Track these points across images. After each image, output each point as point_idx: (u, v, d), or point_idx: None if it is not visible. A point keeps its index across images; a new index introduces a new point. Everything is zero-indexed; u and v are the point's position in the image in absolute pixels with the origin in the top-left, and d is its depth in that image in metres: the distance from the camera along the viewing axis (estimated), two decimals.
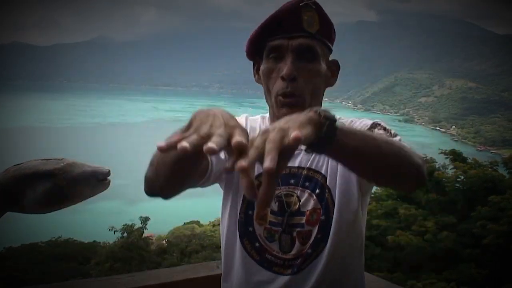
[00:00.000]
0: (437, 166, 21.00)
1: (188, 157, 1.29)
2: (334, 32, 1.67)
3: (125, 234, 23.94)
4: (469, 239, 17.17)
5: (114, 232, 24.43)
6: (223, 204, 1.82)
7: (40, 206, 1.61)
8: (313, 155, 1.66)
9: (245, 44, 1.68)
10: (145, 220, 25.38)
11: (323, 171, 1.68)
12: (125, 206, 62.26)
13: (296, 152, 1.57)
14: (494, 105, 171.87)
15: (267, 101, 1.69)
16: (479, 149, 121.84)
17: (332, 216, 1.65)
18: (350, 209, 1.68)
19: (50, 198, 1.59)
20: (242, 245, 1.74)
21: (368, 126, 1.60)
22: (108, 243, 26.48)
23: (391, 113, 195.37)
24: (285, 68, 1.54)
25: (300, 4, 1.54)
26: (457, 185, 19.66)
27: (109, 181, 1.69)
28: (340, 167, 1.65)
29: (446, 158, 21.60)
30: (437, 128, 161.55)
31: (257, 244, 1.72)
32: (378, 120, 1.63)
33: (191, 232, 31.43)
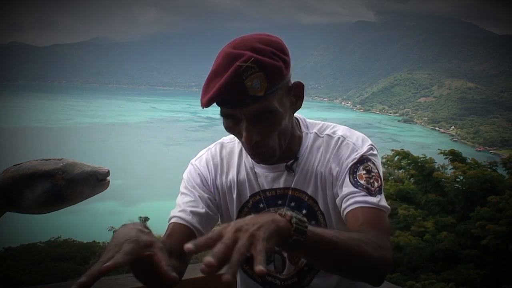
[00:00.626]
0: (436, 166, 20.98)
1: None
2: (287, 64, 1.52)
3: None
4: (468, 239, 17.12)
5: (114, 232, 24.50)
6: None
7: (39, 206, 1.61)
8: (297, 174, 1.68)
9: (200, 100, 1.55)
10: (144, 220, 25.41)
11: (309, 191, 1.68)
12: (124, 206, 62.29)
13: (279, 172, 1.70)
14: (493, 106, 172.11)
15: None
16: (478, 149, 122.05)
17: None
18: (342, 226, 1.65)
19: (49, 198, 1.59)
20: (243, 270, 1.80)
21: (356, 159, 1.61)
22: (107, 243, 26.47)
23: (390, 113, 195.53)
24: (244, 136, 1.50)
25: (240, 70, 1.40)
26: (456, 185, 19.61)
27: (109, 181, 1.69)
28: (328, 191, 1.66)
29: (445, 158, 21.53)
30: (436, 128, 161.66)
31: None
32: (368, 149, 1.64)
33: None
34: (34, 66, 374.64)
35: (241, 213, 1.74)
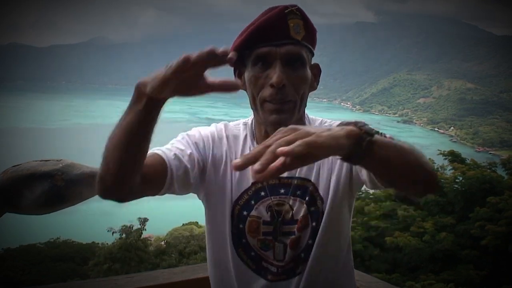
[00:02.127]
0: (435, 167, 21.00)
1: (135, 140, 1.43)
2: (317, 36, 1.66)
3: (124, 235, 23.93)
4: (467, 240, 17.18)
5: (113, 233, 24.44)
6: (207, 217, 1.81)
7: (39, 207, 1.61)
8: None
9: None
10: (143, 221, 25.38)
11: (312, 179, 1.70)
12: (123, 207, 62.06)
13: None
14: (493, 106, 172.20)
15: (252, 107, 1.68)
16: (478, 150, 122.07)
17: (320, 222, 1.69)
18: (339, 215, 1.72)
19: (48, 199, 1.59)
20: (238, 255, 1.75)
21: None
22: (107, 244, 26.46)
23: (389, 114, 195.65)
24: (275, 75, 1.53)
25: (285, 11, 1.54)
26: (456, 186, 19.67)
27: None
28: (333, 176, 1.69)
29: (445, 159, 21.62)
30: (436, 129, 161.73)
31: (252, 253, 1.73)
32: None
33: (190, 233, 31.39)
34: (33, 66, 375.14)
35: (240, 199, 1.72)
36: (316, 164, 1.69)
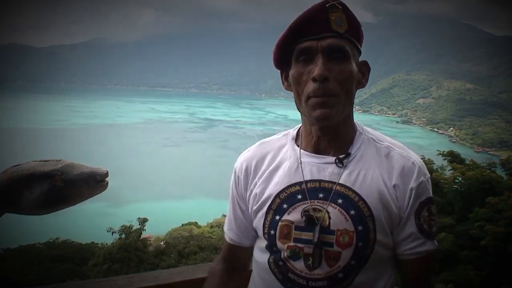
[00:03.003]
0: (434, 167, 21.02)
1: None
2: (362, 33, 1.63)
3: (123, 235, 23.93)
4: (466, 240, 17.18)
5: (112, 233, 24.44)
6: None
7: (38, 207, 1.61)
8: (348, 170, 1.59)
9: (272, 51, 1.63)
10: (143, 221, 25.38)
11: (360, 192, 1.56)
12: (123, 207, 62.21)
13: (327, 164, 1.62)
14: (492, 107, 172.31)
15: (298, 109, 1.61)
16: (477, 150, 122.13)
17: (372, 246, 1.56)
18: (389, 241, 1.60)
19: (48, 199, 1.59)
20: (268, 262, 1.68)
21: (421, 197, 1.58)
22: (106, 244, 26.48)
23: (389, 114, 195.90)
24: (316, 69, 1.49)
25: (326, 5, 1.52)
26: (455, 186, 19.67)
27: (107, 182, 1.68)
28: (383, 200, 1.56)
29: (444, 159, 21.63)
30: (435, 130, 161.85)
31: (280, 263, 1.63)
32: (432, 197, 1.62)
33: (189, 233, 31.45)
34: (33, 67, 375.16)
35: (273, 204, 1.64)
36: (367, 177, 1.58)
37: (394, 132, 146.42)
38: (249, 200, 1.73)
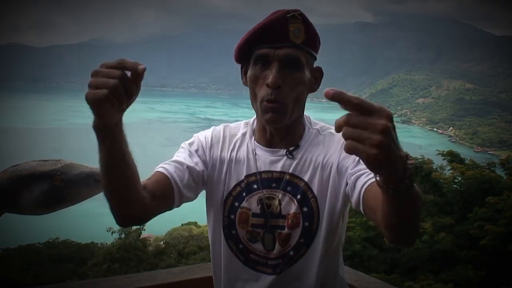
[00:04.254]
0: (434, 167, 21.01)
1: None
2: (319, 41, 1.73)
3: (123, 235, 23.89)
4: (466, 240, 17.18)
5: (112, 233, 24.39)
6: (207, 208, 1.91)
7: (38, 207, 1.61)
8: (296, 160, 1.77)
9: (234, 50, 1.77)
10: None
11: (306, 178, 1.75)
12: None
13: (278, 157, 1.79)
14: (492, 107, 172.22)
15: (252, 106, 1.75)
16: (477, 150, 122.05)
17: (317, 224, 1.74)
18: (334, 219, 1.74)
19: (47, 199, 1.59)
20: (228, 246, 1.83)
21: None
22: (106, 244, 26.44)
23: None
24: (271, 76, 1.61)
25: (287, 16, 1.62)
26: (455, 186, 19.66)
27: None
28: (331, 180, 1.73)
29: (444, 159, 21.60)
30: (435, 129, 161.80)
31: (240, 246, 1.81)
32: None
33: (189, 233, 31.43)
34: (32, 67, 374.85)
35: (233, 191, 1.81)
36: (312, 164, 1.75)
37: None
38: (208, 165, 1.84)
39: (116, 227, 24.44)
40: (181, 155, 1.83)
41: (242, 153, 1.83)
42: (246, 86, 1.77)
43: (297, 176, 1.75)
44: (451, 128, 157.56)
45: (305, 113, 1.84)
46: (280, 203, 1.75)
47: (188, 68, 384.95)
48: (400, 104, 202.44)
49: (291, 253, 1.76)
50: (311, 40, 1.68)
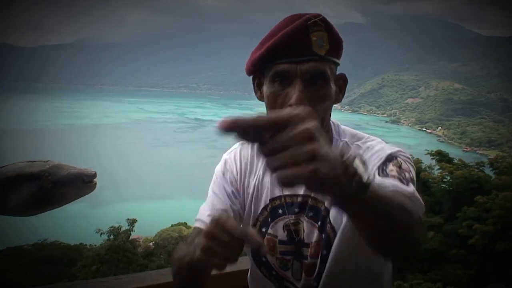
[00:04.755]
0: (423, 166, 21.09)
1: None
2: (343, 46, 1.55)
3: (112, 237, 23.83)
4: (455, 239, 17.25)
5: (101, 234, 24.32)
6: None
7: (26, 209, 1.60)
8: None
9: (245, 63, 1.58)
10: (132, 222, 25.28)
11: (326, 202, 1.57)
12: (112, 208, 62.02)
13: None
14: (480, 107, 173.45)
15: None
16: (465, 150, 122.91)
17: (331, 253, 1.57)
18: (350, 245, 1.53)
19: (35, 200, 1.58)
20: (262, 273, 1.73)
21: (383, 158, 1.47)
22: (95, 245, 26.38)
23: (378, 114, 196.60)
24: (294, 96, 1.42)
25: (308, 23, 1.42)
26: (443, 185, 19.73)
27: (95, 183, 1.67)
28: None
29: (432, 158, 21.68)
30: (424, 129, 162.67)
31: (273, 273, 1.69)
32: (397, 151, 1.51)
33: (179, 234, 31.38)
34: (20, 67, 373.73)
35: (260, 216, 1.69)
36: None
37: (383, 132, 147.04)
38: (240, 193, 1.72)
39: (105, 228, 24.40)
40: (217, 197, 1.70)
41: (268, 174, 1.68)
42: (261, 101, 1.58)
43: (319, 200, 1.59)
44: (439, 128, 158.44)
45: (334, 120, 1.66)
46: (303, 230, 1.61)
47: (177, 68, 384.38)
48: (389, 104, 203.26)
49: (314, 283, 1.62)
50: (336, 48, 1.49)
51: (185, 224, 38.39)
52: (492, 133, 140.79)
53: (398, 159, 1.47)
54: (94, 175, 1.65)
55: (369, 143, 1.60)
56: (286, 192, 1.63)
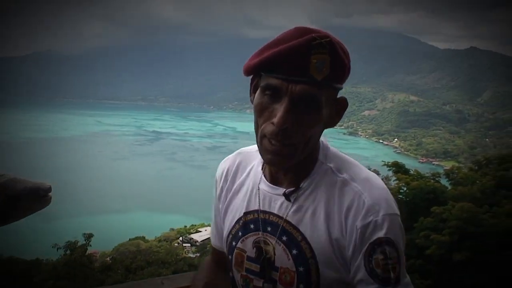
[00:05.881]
0: (380, 178, 21.27)
1: None
2: (349, 71, 1.42)
3: (68, 251, 23.51)
4: (412, 249, 17.42)
5: (57, 249, 23.97)
6: None
7: None
8: (295, 206, 1.49)
9: (243, 66, 1.43)
10: (88, 236, 24.96)
11: (304, 232, 1.47)
12: (68, 223, 61.12)
13: (278, 196, 1.53)
14: (436, 118, 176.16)
15: (255, 133, 1.44)
16: (421, 161, 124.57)
17: (315, 286, 1.47)
18: (338, 280, 1.46)
19: None
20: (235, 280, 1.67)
21: (372, 240, 1.39)
22: (52, 260, 25.98)
23: (336, 126, 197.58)
24: (278, 115, 1.33)
25: (312, 43, 1.30)
26: (400, 196, 19.96)
27: (51, 197, 1.65)
28: (327, 236, 1.44)
29: (389, 170, 21.93)
30: (380, 141, 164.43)
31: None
32: (389, 237, 1.40)
33: (136, 248, 31.12)
34: None
35: (233, 228, 1.64)
36: (314, 216, 1.47)
37: (341, 144, 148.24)
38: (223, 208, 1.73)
39: (62, 243, 24.08)
40: (213, 209, 1.80)
41: (248, 186, 1.63)
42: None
43: (294, 226, 1.49)
44: (396, 139, 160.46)
45: (324, 139, 1.58)
46: (274, 252, 1.52)
47: (136, 81, 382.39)
48: (347, 116, 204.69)
49: None
50: (337, 74, 1.37)
51: (143, 238, 38.12)
52: (447, 144, 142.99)
53: (386, 247, 1.39)
54: (50, 189, 1.63)
55: (357, 179, 1.48)
56: (262, 207, 1.57)
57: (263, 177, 1.59)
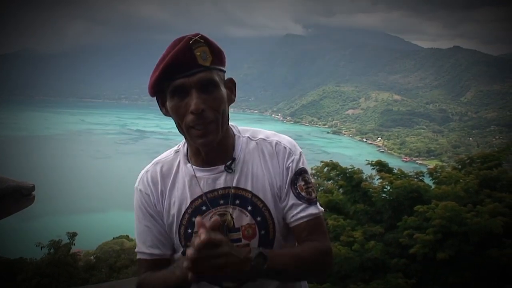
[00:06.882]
0: (364, 177, 21.31)
1: None
2: (224, 55, 1.78)
3: (52, 250, 23.37)
4: (396, 248, 17.36)
5: (41, 248, 23.82)
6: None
7: None
8: (237, 174, 1.84)
9: (147, 86, 1.79)
10: (72, 235, 24.82)
11: (251, 189, 1.84)
12: (52, 222, 60.75)
13: (219, 173, 1.85)
14: (419, 117, 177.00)
15: (180, 133, 1.78)
16: (405, 160, 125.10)
17: (273, 232, 1.86)
18: (286, 226, 1.88)
19: None
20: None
21: (294, 171, 1.86)
22: (35, 259, 25.82)
23: (319, 125, 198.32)
24: (192, 103, 1.67)
25: (190, 42, 1.67)
26: (384, 195, 19.85)
27: (34, 196, 1.65)
28: (271, 189, 1.86)
29: (373, 168, 21.91)
30: (364, 140, 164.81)
31: None
32: (304, 167, 1.88)
33: (120, 246, 30.95)
34: None
35: (183, 219, 1.86)
36: (253, 174, 1.85)
37: (324, 143, 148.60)
38: (163, 215, 1.90)
39: (45, 242, 23.95)
40: (142, 222, 1.91)
41: (182, 182, 1.88)
42: (168, 117, 1.80)
43: (242, 188, 1.83)
44: (379, 138, 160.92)
45: (232, 123, 1.91)
46: (232, 218, 1.83)
47: (119, 79, 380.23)
48: (330, 115, 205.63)
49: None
50: (218, 58, 1.74)
51: (127, 236, 37.90)
52: (431, 143, 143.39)
53: (306, 174, 1.88)
54: (33, 188, 1.62)
55: (271, 137, 1.93)
56: (206, 189, 1.85)
57: (194, 167, 1.87)
